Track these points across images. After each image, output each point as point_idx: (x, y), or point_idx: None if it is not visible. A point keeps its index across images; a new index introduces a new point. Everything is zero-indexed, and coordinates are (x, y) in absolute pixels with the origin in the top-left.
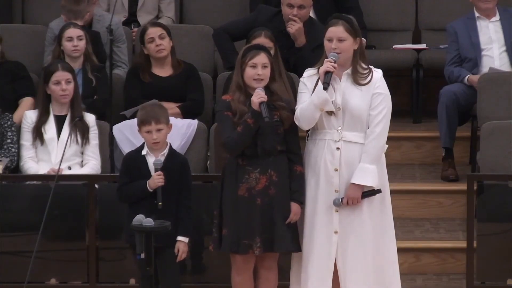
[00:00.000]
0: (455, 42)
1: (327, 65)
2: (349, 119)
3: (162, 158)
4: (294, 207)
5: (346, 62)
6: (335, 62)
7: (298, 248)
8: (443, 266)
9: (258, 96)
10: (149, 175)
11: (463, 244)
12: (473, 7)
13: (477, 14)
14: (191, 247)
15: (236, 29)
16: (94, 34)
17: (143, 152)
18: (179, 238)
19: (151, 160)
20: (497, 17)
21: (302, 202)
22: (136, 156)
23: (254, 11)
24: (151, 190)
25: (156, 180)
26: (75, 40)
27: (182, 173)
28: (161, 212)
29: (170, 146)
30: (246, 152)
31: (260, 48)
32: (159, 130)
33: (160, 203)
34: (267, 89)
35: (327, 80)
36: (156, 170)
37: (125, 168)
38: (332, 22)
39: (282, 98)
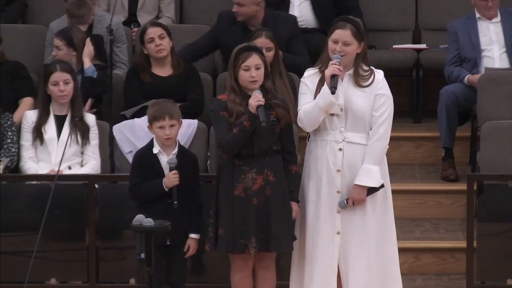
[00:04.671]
0: (455, 42)
1: (333, 67)
2: (351, 120)
3: (174, 156)
4: (295, 206)
5: (348, 64)
6: (339, 65)
7: (293, 248)
8: (443, 266)
9: (256, 99)
10: (162, 174)
11: (463, 244)
12: (473, 7)
13: (477, 15)
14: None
15: (201, 44)
16: (97, 38)
17: (155, 151)
18: (192, 235)
19: (163, 159)
20: (498, 18)
21: (299, 201)
22: (148, 155)
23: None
24: (167, 190)
25: (172, 179)
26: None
27: (193, 170)
28: (177, 211)
29: (179, 143)
30: (243, 152)
31: (251, 49)
32: (172, 126)
33: (175, 202)
34: (261, 87)
35: (334, 84)
36: (171, 169)
37: (138, 167)
38: (340, 25)
39: (277, 96)
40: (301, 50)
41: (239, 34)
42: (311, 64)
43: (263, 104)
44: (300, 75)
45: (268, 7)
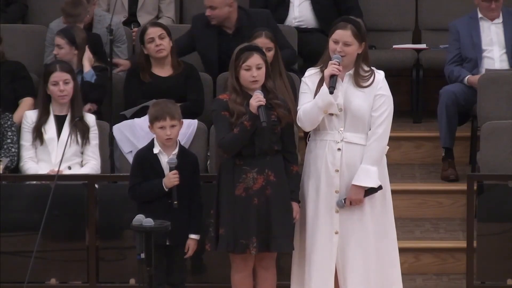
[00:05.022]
0: (457, 41)
1: (332, 67)
2: (351, 120)
3: (174, 157)
4: (296, 206)
5: (349, 64)
6: (339, 65)
7: (293, 248)
8: (443, 266)
9: (257, 100)
10: (162, 174)
11: (463, 244)
12: (475, 7)
13: (480, 15)
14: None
15: (181, 43)
16: (94, 37)
17: (155, 151)
18: (192, 236)
19: (163, 159)
20: (500, 19)
21: (299, 201)
22: (148, 155)
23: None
24: (167, 190)
25: (172, 179)
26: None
27: (193, 170)
28: (177, 211)
29: (180, 143)
30: (243, 152)
31: (253, 48)
32: (173, 126)
33: (176, 202)
34: (262, 87)
35: (333, 84)
36: (171, 169)
37: (138, 167)
38: (341, 25)
39: (278, 96)
40: (283, 41)
41: (214, 38)
42: (297, 52)
43: (264, 104)
44: (294, 68)
45: (239, 7)
